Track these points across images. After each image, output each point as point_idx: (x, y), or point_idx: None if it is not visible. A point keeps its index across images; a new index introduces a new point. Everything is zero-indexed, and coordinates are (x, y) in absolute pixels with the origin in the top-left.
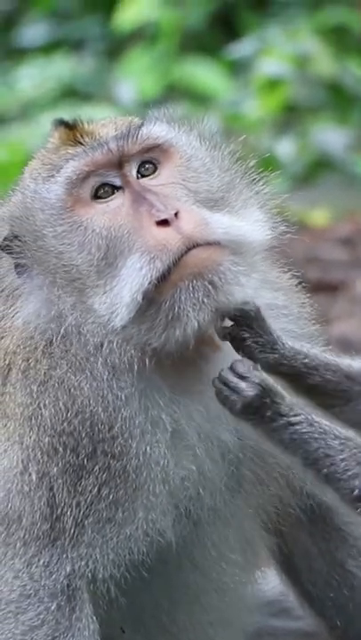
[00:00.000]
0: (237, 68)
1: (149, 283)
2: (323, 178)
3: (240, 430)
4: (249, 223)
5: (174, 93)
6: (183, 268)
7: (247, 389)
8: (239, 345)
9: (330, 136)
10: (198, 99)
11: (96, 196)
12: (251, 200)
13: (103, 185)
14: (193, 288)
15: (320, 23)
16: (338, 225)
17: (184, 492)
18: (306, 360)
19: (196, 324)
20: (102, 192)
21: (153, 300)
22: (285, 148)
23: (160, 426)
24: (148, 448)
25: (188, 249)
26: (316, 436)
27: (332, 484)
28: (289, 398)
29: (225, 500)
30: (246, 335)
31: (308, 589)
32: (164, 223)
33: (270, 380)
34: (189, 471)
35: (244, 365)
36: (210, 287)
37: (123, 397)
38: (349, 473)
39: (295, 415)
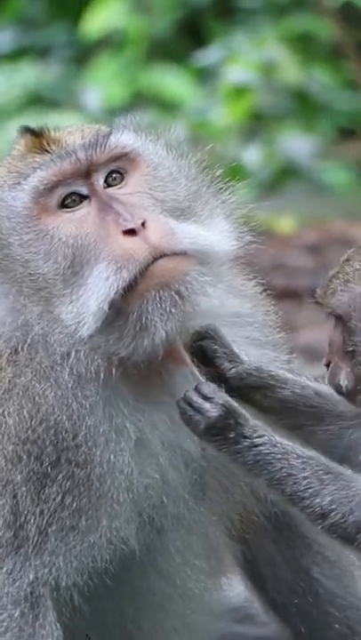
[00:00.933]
0: (204, 76)
1: (116, 292)
2: (289, 185)
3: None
4: (215, 233)
5: (141, 101)
6: (150, 277)
7: (211, 410)
8: (210, 357)
9: (296, 144)
10: (165, 106)
11: (63, 204)
12: (217, 210)
13: (70, 194)
14: (160, 298)
15: (286, 31)
16: (304, 232)
17: (148, 501)
18: (273, 373)
19: (163, 334)
20: (69, 201)
21: (120, 309)
22: (252, 156)
23: (124, 434)
24: (111, 456)
25: (155, 259)
26: (279, 456)
27: (295, 503)
28: (252, 420)
29: (189, 507)
30: (216, 347)
31: (273, 596)
32: (130, 233)
33: (234, 403)
34: (153, 479)
35: (209, 387)
36: (177, 297)
37: (87, 406)
38: (311, 491)
39: (258, 437)
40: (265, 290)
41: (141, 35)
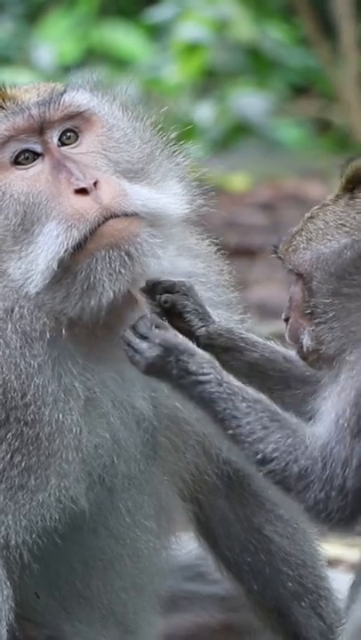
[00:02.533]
0: (157, 33)
1: (65, 251)
2: (242, 143)
3: (155, 398)
4: (168, 196)
5: (93, 57)
6: (100, 237)
7: (148, 350)
8: (179, 311)
9: (249, 101)
10: (117, 63)
11: (16, 161)
12: (170, 172)
13: (24, 151)
14: (109, 258)
15: None
16: (257, 190)
17: (98, 460)
18: (243, 336)
19: (111, 294)
20: (22, 158)
21: (69, 268)
22: (205, 113)
23: (73, 394)
24: (60, 416)
25: (106, 219)
26: (225, 396)
27: (237, 445)
28: (200, 357)
29: (140, 467)
30: (187, 302)
31: (226, 554)
32: (82, 192)
33: (174, 338)
34: (103, 439)
35: (145, 325)
36: (126, 258)
37: (35, 365)
38: (254, 436)
39: (203, 374)
40: (218, 248)
41: None
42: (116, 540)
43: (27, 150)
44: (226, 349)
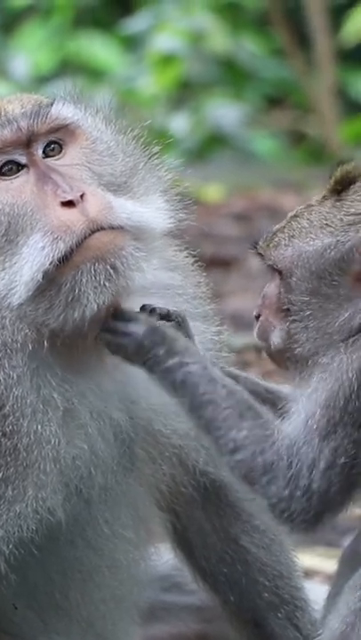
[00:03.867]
0: (132, 44)
1: (51, 263)
2: (217, 153)
3: (132, 410)
4: (151, 210)
5: (69, 68)
6: (86, 250)
7: (136, 329)
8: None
9: (224, 112)
10: (93, 74)
11: (0, 172)
12: (153, 186)
13: (8, 162)
14: (95, 271)
15: None
16: (232, 201)
17: (75, 471)
18: (226, 369)
19: (95, 307)
20: (6, 169)
21: (53, 280)
22: (180, 124)
23: (52, 405)
24: (39, 427)
25: (92, 232)
26: (206, 380)
27: (211, 431)
28: (185, 341)
29: (117, 478)
30: (179, 332)
31: (202, 565)
32: (69, 204)
33: (156, 321)
34: (81, 450)
35: (129, 312)
36: (111, 271)
37: (14, 376)
38: (229, 422)
39: (189, 356)
40: (195, 259)
41: (69, 2)
42: (95, 550)
43: (11, 161)
44: None
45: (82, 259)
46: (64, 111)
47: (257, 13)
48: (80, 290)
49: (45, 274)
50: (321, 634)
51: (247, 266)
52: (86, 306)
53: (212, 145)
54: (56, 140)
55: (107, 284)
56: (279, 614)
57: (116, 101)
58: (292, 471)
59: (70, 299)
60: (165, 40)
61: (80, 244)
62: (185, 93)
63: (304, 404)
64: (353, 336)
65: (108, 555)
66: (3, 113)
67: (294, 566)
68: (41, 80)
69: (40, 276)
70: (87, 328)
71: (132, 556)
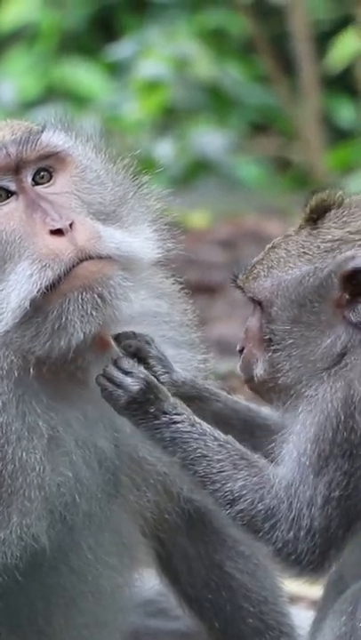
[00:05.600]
0: (117, 70)
1: (38, 291)
2: (202, 180)
3: (117, 437)
4: (140, 240)
5: (54, 94)
6: (74, 279)
7: (132, 384)
8: (143, 357)
9: (209, 138)
10: (78, 100)
11: None
12: (142, 216)
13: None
14: (82, 300)
15: (199, 25)
16: (217, 227)
17: (60, 498)
18: (207, 387)
19: (81, 335)
20: None
21: (40, 307)
22: (164, 151)
23: (37, 432)
24: (24, 454)
25: (80, 260)
26: (196, 436)
27: (206, 485)
28: (173, 398)
29: (101, 505)
30: (151, 350)
31: (188, 591)
32: (57, 232)
33: (154, 378)
34: (65, 477)
35: (128, 362)
36: (99, 300)
37: (0, 404)
38: (224, 474)
39: (178, 414)
40: (181, 286)
41: (54, 28)
42: (78, 576)
43: (0, 188)
44: (190, 398)
45: (69, 287)
46: (54, 139)
47: (242, 40)
48: (67, 318)
49: (32, 301)
50: None
51: (232, 292)
52: (72, 334)
53: (196, 171)
54: (46, 167)
55: (94, 312)
56: None
57: (101, 128)
58: (293, 513)
59: (57, 327)
60: (150, 66)
61: (68, 272)
62: (170, 120)
63: (295, 442)
64: (336, 365)
65: (91, 581)
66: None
67: (280, 592)
68: (26, 106)
69: (27, 304)
70: (73, 356)
71: (115, 581)
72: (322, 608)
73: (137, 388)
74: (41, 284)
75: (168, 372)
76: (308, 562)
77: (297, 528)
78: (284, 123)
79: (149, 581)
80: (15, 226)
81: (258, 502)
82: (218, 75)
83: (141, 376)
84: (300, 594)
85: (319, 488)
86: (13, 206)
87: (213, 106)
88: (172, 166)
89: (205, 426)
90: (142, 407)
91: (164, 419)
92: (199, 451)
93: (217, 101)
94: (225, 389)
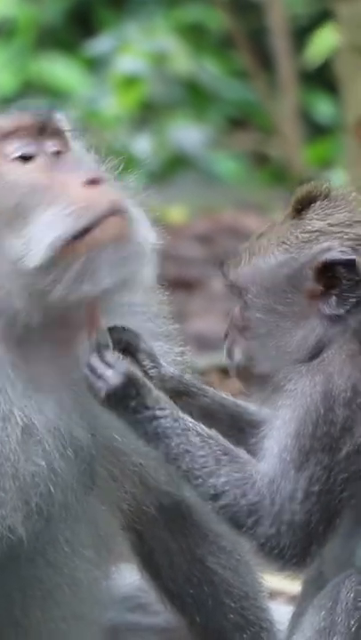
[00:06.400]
0: (95, 65)
1: (70, 234)
2: (180, 175)
3: (93, 427)
4: (147, 224)
5: (32, 90)
6: (105, 229)
7: (112, 377)
8: (132, 350)
9: (187, 133)
10: (56, 95)
11: (18, 157)
12: (140, 210)
13: (24, 148)
14: (111, 251)
15: (177, 21)
16: (195, 222)
17: (35, 489)
18: (195, 382)
19: (105, 286)
20: (21, 155)
21: (67, 252)
22: (142, 145)
23: (11, 421)
24: None
25: (112, 214)
26: (179, 431)
27: (190, 480)
28: (156, 393)
29: (78, 496)
30: (140, 343)
31: (169, 586)
32: (91, 183)
33: (138, 373)
34: (39, 467)
35: (113, 354)
36: (126, 255)
37: None
38: (207, 470)
39: (160, 409)
40: (157, 279)
41: (31, 23)
42: (55, 569)
43: (26, 149)
44: (178, 393)
45: (100, 237)
46: (64, 121)
47: (220, 35)
48: (94, 266)
49: (64, 244)
50: None
51: (210, 287)
52: (97, 282)
53: (174, 166)
54: (56, 145)
55: (120, 266)
56: (245, 635)
57: (80, 122)
58: (275, 508)
59: (81, 273)
60: (128, 62)
61: (99, 222)
62: (148, 115)
63: (275, 438)
64: (314, 358)
65: (68, 573)
66: (19, 104)
67: (260, 587)
68: (3, 101)
69: (59, 245)
70: (64, 331)
71: (92, 574)
72: (301, 603)
73: (117, 381)
74: (74, 228)
75: (156, 366)
76: (290, 556)
77: (279, 523)
78: (262, 118)
79: (129, 576)
80: (42, 177)
81: (241, 498)
82: (196, 70)
83: (122, 370)
84: (279, 589)
85: (300, 483)
86: (38, 163)
87: (191, 101)
88: (150, 161)
89: (189, 421)
90: (123, 401)
91: (146, 413)
92: (182, 446)
93: (195, 96)
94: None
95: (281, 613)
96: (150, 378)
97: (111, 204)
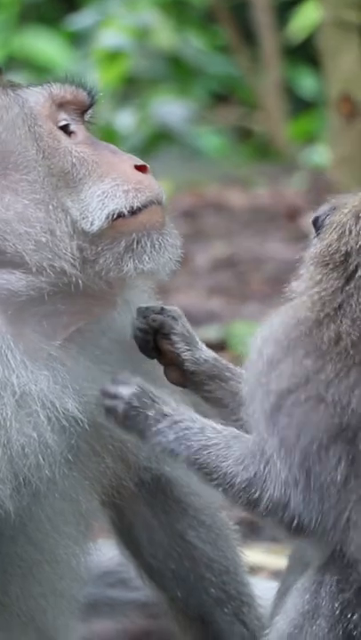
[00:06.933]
0: (78, 40)
1: (128, 211)
2: (163, 150)
3: (83, 402)
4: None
5: (14, 64)
6: (153, 215)
7: (124, 390)
8: (167, 332)
9: (170, 108)
10: (38, 69)
11: (62, 127)
12: None
13: (73, 121)
14: (156, 236)
15: None
16: (178, 197)
17: (24, 460)
18: (230, 366)
19: (145, 269)
20: (70, 128)
21: (117, 228)
22: (125, 120)
23: (7, 389)
24: None
25: (157, 202)
26: (196, 430)
27: (208, 476)
28: (169, 399)
29: (63, 471)
30: (175, 325)
31: (149, 561)
32: (141, 168)
33: (149, 386)
34: (31, 439)
35: (123, 374)
36: (166, 243)
37: None
38: (219, 455)
39: (177, 413)
40: None
41: None
42: (35, 546)
43: (73, 123)
44: (211, 377)
45: (147, 221)
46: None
47: (202, 10)
48: (138, 248)
49: (118, 217)
50: (268, 633)
51: (194, 262)
52: (136, 265)
53: (158, 141)
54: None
55: (161, 251)
56: (226, 610)
57: None
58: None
59: (126, 252)
60: (111, 36)
61: (147, 206)
62: (131, 89)
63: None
64: None
65: (48, 549)
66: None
67: (240, 562)
68: None
69: (114, 217)
70: (80, 306)
71: (72, 551)
72: (286, 579)
73: (130, 392)
74: (131, 205)
75: (191, 349)
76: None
77: (280, 483)
78: (246, 93)
79: (109, 552)
80: (89, 151)
81: (243, 471)
82: (179, 44)
83: (133, 385)
84: (260, 564)
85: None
86: (82, 138)
87: (174, 76)
88: (133, 136)
89: (203, 419)
90: (142, 413)
91: (166, 421)
92: (200, 443)
93: (178, 71)
94: None
95: (262, 588)
96: (182, 360)
97: (160, 192)
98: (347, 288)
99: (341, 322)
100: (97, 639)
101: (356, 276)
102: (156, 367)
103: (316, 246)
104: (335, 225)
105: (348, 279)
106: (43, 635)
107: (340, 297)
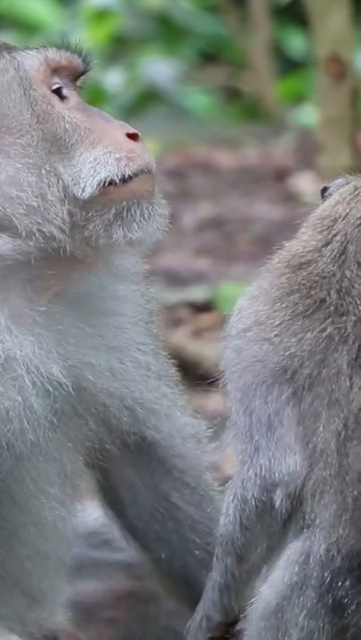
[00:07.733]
0: None
1: (119, 178)
2: (151, 110)
3: (67, 367)
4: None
5: (3, 23)
6: (143, 183)
7: None
8: None
9: (158, 68)
10: (27, 29)
11: (57, 92)
12: None
13: (66, 86)
14: (145, 205)
15: None
16: (166, 157)
17: (8, 425)
18: None
19: (133, 237)
20: (63, 92)
21: (107, 195)
22: (114, 80)
23: None
24: None
25: (148, 171)
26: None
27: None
28: None
29: (47, 434)
30: None
31: (134, 523)
32: (132, 137)
33: None
34: (15, 402)
35: None
36: (155, 212)
37: None
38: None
39: None
40: None
41: None
42: (20, 507)
43: (66, 88)
44: None
45: (137, 189)
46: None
47: None
48: (128, 216)
49: (109, 184)
50: (254, 602)
51: (181, 222)
52: (125, 234)
53: (146, 101)
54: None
55: (147, 223)
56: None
57: None
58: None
59: (115, 220)
60: None
61: (138, 175)
62: (119, 49)
63: None
64: None
65: (33, 511)
66: (75, 42)
67: None
68: None
69: (107, 182)
70: (71, 263)
71: (57, 512)
72: None
73: None
74: (122, 172)
75: None
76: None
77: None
78: (234, 52)
79: (94, 513)
80: (82, 117)
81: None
82: (167, 4)
83: None
84: None
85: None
86: (74, 103)
87: (163, 35)
88: (122, 96)
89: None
90: None
91: None
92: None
93: (166, 31)
94: (173, 325)
95: None
96: None
97: (150, 161)
98: (323, 250)
99: (298, 275)
100: (81, 600)
101: (334, 240)
102: (139, 333)
103: (314, 210)
104: (337, 195)
105: (328, 243)
106: (29, 597)
107: (313, 255)
